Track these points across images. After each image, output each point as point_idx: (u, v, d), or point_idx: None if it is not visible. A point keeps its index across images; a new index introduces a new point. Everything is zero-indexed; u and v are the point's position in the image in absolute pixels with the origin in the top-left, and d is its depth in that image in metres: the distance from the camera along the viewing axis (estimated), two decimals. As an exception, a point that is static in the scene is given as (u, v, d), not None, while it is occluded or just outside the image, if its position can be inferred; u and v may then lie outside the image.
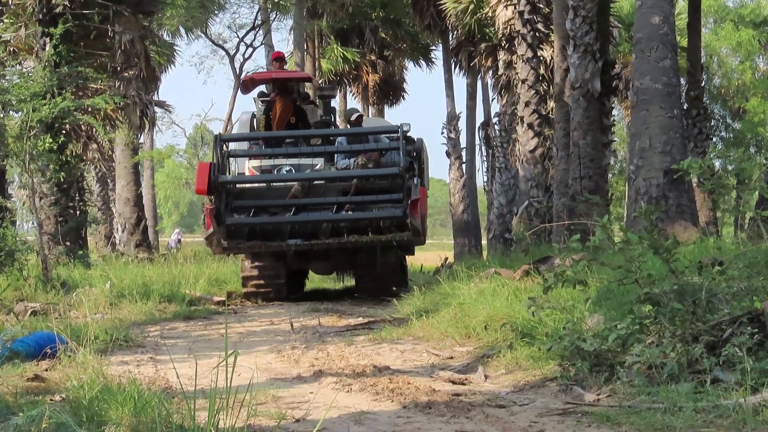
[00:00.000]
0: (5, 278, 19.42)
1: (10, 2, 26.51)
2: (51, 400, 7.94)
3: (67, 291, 18.29)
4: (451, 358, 11.32)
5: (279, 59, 22.77)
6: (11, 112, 20.56)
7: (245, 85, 22.44)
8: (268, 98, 20.58)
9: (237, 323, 14.73)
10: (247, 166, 19.60)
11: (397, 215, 17.57)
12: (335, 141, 20.30)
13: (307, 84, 25.21)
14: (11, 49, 24.73)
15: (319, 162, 19.50)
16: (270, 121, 20.04)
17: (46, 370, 10.02)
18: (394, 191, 18.13)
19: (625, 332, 9.36)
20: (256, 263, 19.20)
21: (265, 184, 19.13)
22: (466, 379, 9.85)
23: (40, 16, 25.77)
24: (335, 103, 30.12)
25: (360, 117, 20.73)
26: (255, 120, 21.13)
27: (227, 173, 18.33)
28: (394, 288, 17.86)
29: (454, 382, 9.65)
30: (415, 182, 18.16)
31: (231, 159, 19.15)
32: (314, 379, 9.81)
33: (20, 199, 23.93)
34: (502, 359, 10.66)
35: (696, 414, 7.23)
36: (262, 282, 19.35)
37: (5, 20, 24.86)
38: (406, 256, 22.40)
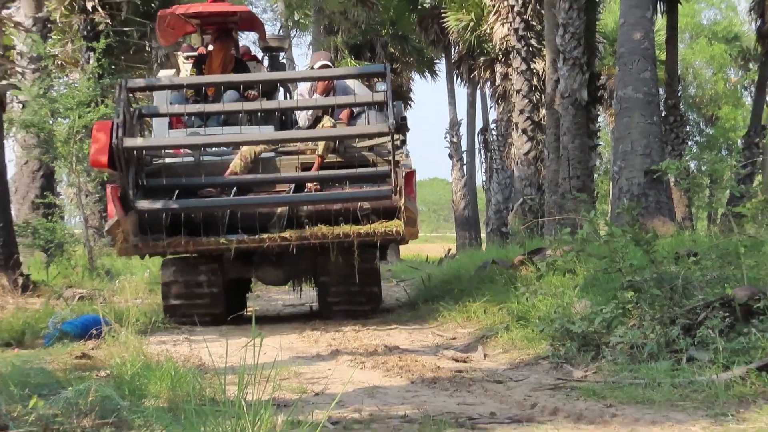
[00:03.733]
0: (56, 267, 19.47)
1: (58, 20, 26.53)
2: (97, 375, 7.95)
3: (111, 278, 18.33)
4: (454, 338, 11.33)
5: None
6: (60, 119, 20.58)
7: (165, 25, 14.12)
8: (196, 54, 14.13)
9: (262, 306, 14.69)
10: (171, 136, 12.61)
11: (386, 194, 11.19)
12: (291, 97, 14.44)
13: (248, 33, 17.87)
14: (59, 63, 24.71)
15: (269, 131, 12.61)
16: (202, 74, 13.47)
17: (92, 349, 10.04)
18: (375, 165, 12.02)
19: (610, 316, 9.36)
20: (181, 269, 12.46)
21: (192, 157, 11.93)
22: (467, 357, 9.85)
23: (85, 32, 25.82)
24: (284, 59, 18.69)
25: (328, 66, 12.90)
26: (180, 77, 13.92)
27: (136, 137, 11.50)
28: (366, 306, 13.11)
29: (456, 360, 9.66)
30: (405, 151, 11.89)
31: (144, 126, 14.41)
32: (331, 358, 9.82)
33: (68, 196, 23.90)
34: (500, 340, 10.66)
35: (673, 389, 7.23)
36: (188, 296, 12.48)
37: (54, 36, 24.85)
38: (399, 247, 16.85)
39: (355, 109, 12.63)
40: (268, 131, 12.53)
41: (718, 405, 6.68)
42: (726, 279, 9.77)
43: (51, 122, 20.35)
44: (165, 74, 14.50)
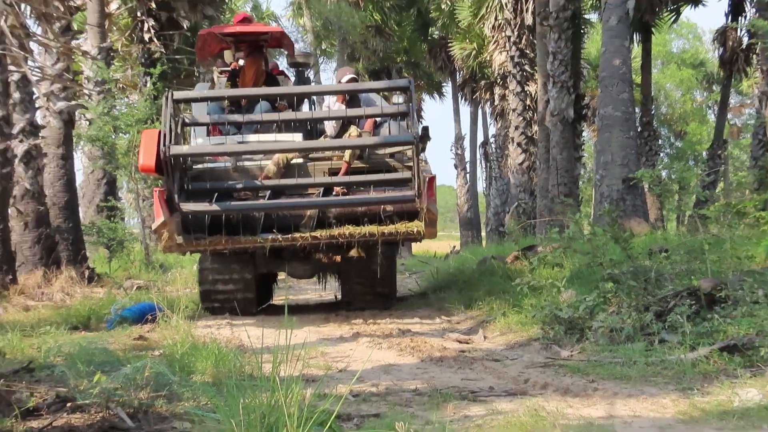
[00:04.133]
0: (117, 261, 19.56)
1: (119, 49, 26.62)
2: (151, 355, 7.97)
3: (164, 271, 18.39)
4: (458, 323, 11.33)
5: (245, 20, 14.05)
6: (120, 134, 20.64)
7: (203, 43, 13.77)
8: (229, 69, 13.27)
9: (293, 296, 14.69)
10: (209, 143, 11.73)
11: (409, 198, 10.47)
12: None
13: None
14: (120, 86, 24.76)
15: (298, 138, 11.88)
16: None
17: (148, 332, 10.06)
18: (396, 170, 11.23)
19: (592, 303, 9.35)
20: (217, 264, 12.12)
21: (229, 163, 11.32)
22: (470, 339, 9.85)
23: (143, 60, 25.88)
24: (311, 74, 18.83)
25: (355, 79, 12.21)
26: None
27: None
28: (384, 298, 12.79)
29: (460, 342, 9.66)
30: (424, 158, 11.05)
31: (186, 133, 11.95)
32: (353, 339, 9.82)
33: (128, 200, 24.00)
34: (498, 324, 10.65)
35: (647, 366, 7.22)
36: (224, 289, 12.15)
37: (116, 63, 24.91)
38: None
39: (378, 119, 11.93)
40: (298, 138, 11.91)
41: (686, 380, 6.67)
42: (692, 272, 9.78)
43: (113, 137, 20.41)
44: (201, 86, 14.34)
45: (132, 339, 9.55)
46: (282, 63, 17.94)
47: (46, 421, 5.35)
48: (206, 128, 12.14)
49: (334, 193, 10.99)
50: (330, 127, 11.80)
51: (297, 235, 10.77)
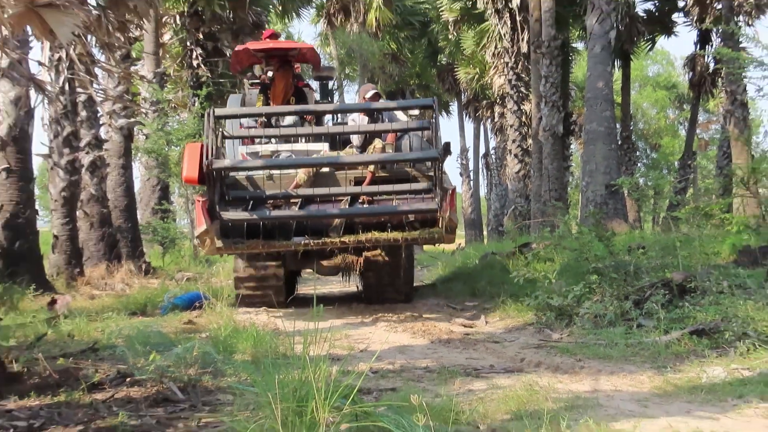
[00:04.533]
0: (169, 256, 19.62)
1: (171, 74, 26.71)
2: (199, 337, 7.98)
3: (210, 265, 18.40)
4: (463, 309, 11.31)
5: (273, 36, 13.27)
6: (172, 147, 20.70)
7: (237, 58, 13.10)
8: (259, 81, 12.88)
9: (320, 285, 14.68)
10: (240, 152, 11.41)
11: (432, 208, 9.77)
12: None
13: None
14: (172, 105, 24.85)
15: (324, 148, 11.48)
16: (268, 101, 12.40)
17: (196, 317, 10.07)
18: (417, 180, 10.49)
19: (579, 293, 9.34)
20: (252, 263, 11.49)
21: (262, 172, 10.51)
22: (473, 324, 9.84)
23: (191, 83, 25.94)
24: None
25: (377, 95, 11.53)
26: (246, 101, 12.94)
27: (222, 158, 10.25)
28: (403, 295, 12.02)
29: (465, 326, 9.65)
30: (445, 170, 10.30)
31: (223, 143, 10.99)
32: (372, 324, 9.82)
33: (179, 204, 23.99)
34: (497, 311, 10.64)
35: (626, 348, 7.20)
36: (259, 285, 11.63)
37: (168, 86, 25.00)
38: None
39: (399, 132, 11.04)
40: (324, 148, 11.40)
41: (660, 360, 6.65)
42: (666, 266, 9.74)
43: (166, 149, 20.51)
44: (234, 98, 13.04)
45: (182, 323, 9.58)
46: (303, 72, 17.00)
47: (108, 393, 5.37)
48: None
49: (360, 200, 10.31)
50: (356, 138, 11.14)
51: (327, 239, 10.08)
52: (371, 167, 10.42)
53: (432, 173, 10.13)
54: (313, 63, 13.37)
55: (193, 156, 9.61)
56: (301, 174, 10.30)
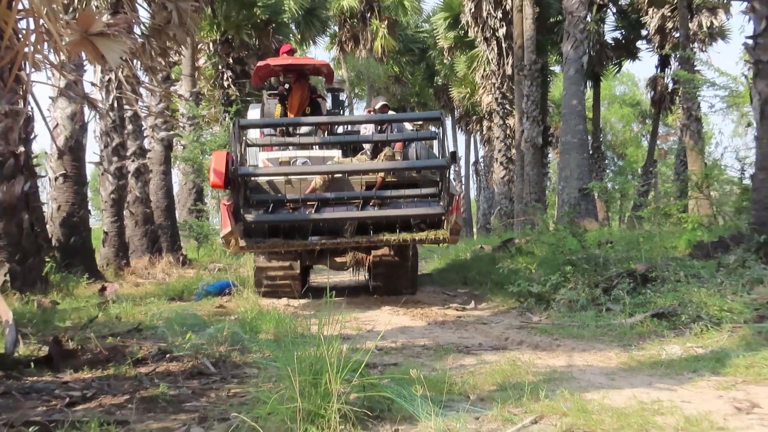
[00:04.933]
0: (203, 249, 19.59)
1: (205, 93, 26.74)
2: (228, 319, 7.99)
3: (238, 257, 18.39)
4: (456, 296, 11.29)
5: (290, 52, 12.69)
6: (206, 156, 20.70)
7: (258, 72, 12.46)
8: (277, 92, 12.19)
9: (332, 276, 14.66)
10: (261, 158, 10.81)
11: (438, 212, 9.32)
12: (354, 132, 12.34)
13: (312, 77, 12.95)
14: (206, 120, 24.87)
15: (337, 154, 10.88)
16: (286, 110, 11.90)
17: (226, 302, 10.08)
18: (424, 185, 10.04)
19: (556, 281, 9.33)
20: (272, 258, 11.00)
21: (282, 177, 10.05)
22: (465, 308, 9.81)
23: (222, 101, 25.96)
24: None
25: (386, 107, 11.16)
26: (265, 111, 12.29)
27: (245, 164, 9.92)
28: (406, 289, 11.33)
29: (457, 310, 9.63)
30: (451, 177, 10.16)
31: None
32: (377, 308, 9.80)
33: (211, 205, 24.01)
34: (485, 297, 10.64)
35: (596, 328, 7.19)
36: (277, 278, 11.09)
37: (203, 103, 25.03)
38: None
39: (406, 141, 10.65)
40: (337, 154, 10.80)
41: (626, 339, 6.64)
42: (631, 258, 9.75)
43: (201, 158, 20.49)
44: (253, 107, 12.39)
45: (214, 307, 9.58)
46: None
47: (150, 368, 5.38)
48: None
49: (371, 203, 9.73)
50: (367, 146, 10.73)
51: (341, 239, 9.67)
52: (381, 173, 10.02)
53: (437, 179, 9.74)
54: (326, 76, 12.80)
55: (219, 163, 9.17)
56: (317, 178, 9.89)
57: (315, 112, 12.00)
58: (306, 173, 9.76)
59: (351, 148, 11.37)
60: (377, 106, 10.97)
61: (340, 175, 10.02)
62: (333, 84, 13.36)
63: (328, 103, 13.10)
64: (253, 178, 9.68)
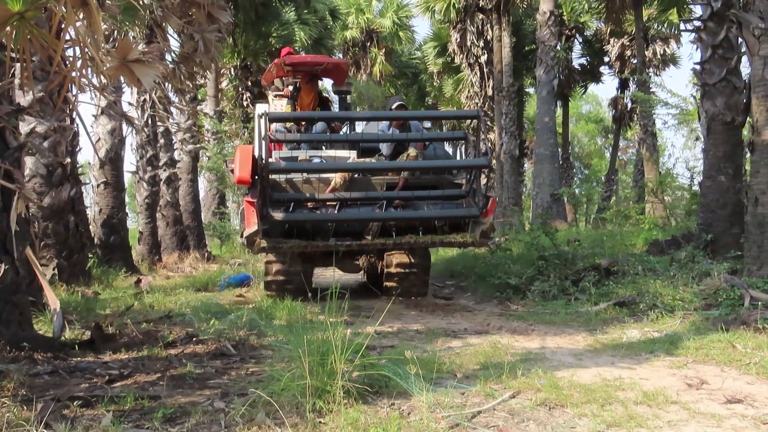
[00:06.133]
0: (225, 247, 19.57)
1: (227, 111, 26.70)
2: (247, 307, 7.97)
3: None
4: (444, 287, 11.26)
5: (290, 53, 11.08)
6: (228, 166, 20.67)
7: (269, 73, 10.65)
8: (282, 93, 10.51)
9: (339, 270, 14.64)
10: (275, 157, 8.78)
11: (473, 214, 7.81)
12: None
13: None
14: (228, 135, 24.86)
15: (352, 155, 9.08)
16: (296, 110, 10.15)
17: (245, 292, 10.06)
18: (445, 187, 8.48)
19: (531, 274, 9.35)
20: (283, 258, 8.91)
21: (300, 176, 8.41)
22: (452, 298, 9.80)
23: (242, 118, 25.91)
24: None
25: (402, 106, 9.12)
26: (270, 111, 9.28)
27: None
28: (419, 290, 9.33)
29: (445, 299, 9.61)
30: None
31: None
32: (375, 298, 9.79)
33: (232, 208, 24.00)
34: (470, 288, 10.61)
35: (566, 315, 7.19)
36: (285, 278, 8.91)
37: (225, 120, 25.02)
38: None
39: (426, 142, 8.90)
40: (353, 155, 9.08)
41: (592, 324, 6.64)
42: (596, 254, 9.76)
43: (223, 168, 20.47)
44: (260, 106, 10.05)
45: (235, 297, 9.56)
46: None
47: (179, 349, 5.36)
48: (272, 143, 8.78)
49: (393, 204, 8.26)
50: (385, 147, 8.92)
51: (366, 241, 8.07)
52: (405, 174, 8.45)
53: (457, 181, 8.49)
54: (341, 76, 10.79)
55: (246, 158, 7.44)
56: (337, 178, 8.26)
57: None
58: (340, 170, 8.19)
59: (359, 149, 9.60)
60: (394, 106, 9.10)
61: (356, 174, 8.47)
62: (342, 86, 11.28)
63: (335, 106, 11.50)
64: (271, 176, 7.91)
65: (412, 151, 8.50)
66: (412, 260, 9.16)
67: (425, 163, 8.46)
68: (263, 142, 7.31)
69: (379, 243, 8.04)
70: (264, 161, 7.22)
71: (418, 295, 9.31)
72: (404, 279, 9.25)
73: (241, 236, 7.56)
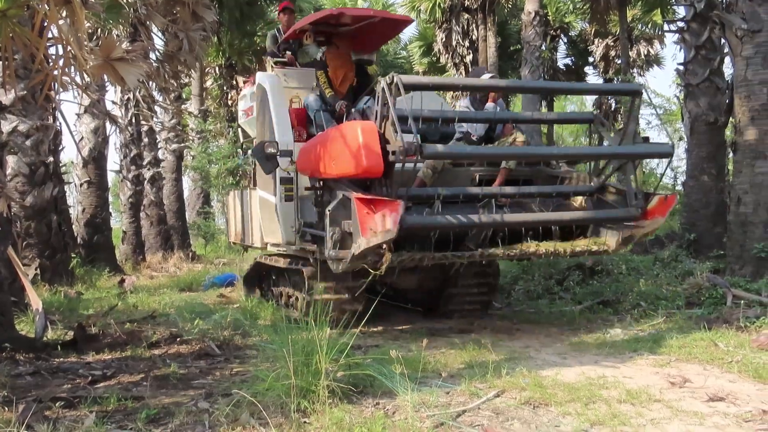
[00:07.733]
0: (210, 246, 19.49)
1: (212, 110, 26.60)
2: (231, 307, 7.95)
3: (241, 253, 18.33)
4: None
5: (286, 9, 9.18)
6: (213, 165, 20.58)
7: (292, 30, 7.83)
8: (283, 60, 8.17)
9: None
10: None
11: (632, 216, 5.59)
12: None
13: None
14: (213, 134, 24.76)
15: None
16: (331, 82, 7.46)
17: (230, 292, 10.02)
18: (539, 180, 6.57)
19: (515, 274, 9.34)
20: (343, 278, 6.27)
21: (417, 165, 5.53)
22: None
23: (227, 117, 25.78)
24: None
25: (495, 78, 7.24)
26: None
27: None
28: (479, 310, 7.32)
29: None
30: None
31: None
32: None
33: (217, 208, 23.90)
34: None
35: (551, 314, 7.22)
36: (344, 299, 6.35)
37: (210, 119, 24.89)
38: None
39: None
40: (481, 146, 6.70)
41: (575, 323, 6.67)
42: (580, 254, 9.77)
43: (208, 167, 20.38)
44: (261, 75, 7.86)
45: (219, 297, 9.53)
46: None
47: (163, 350, 5.35)
48: (291, 126, 7.06)
49: (499, 203, 5.87)
50: (476, 128, 6.72)
51: (490, 251, 5.54)
52: (511, 164, 6.38)
53: (564, 176, 6.72)
54: (378, 41, 8.51)
55: (373, 140, 4.91)
56: (427, 171, 6.14)
57: (363, 80, 7.82)
58: (509, 156, 6.31)
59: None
60: (485, 76, 6.68)
61: (449, 167, 6.34)
62: (362, 55, 8.61)
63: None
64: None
65: (519, 136, 6.55)
66: (483, 277, 7.25)
67: (601, 149, 6.47)
68: (387, 121, 5.05)
69: (503, 253, 5.61)
70: (417, 144, 4.65)
71: (474, 314, 7.31)
72: (464, 293, 7.30)
73: (335, 247, 5.18)
